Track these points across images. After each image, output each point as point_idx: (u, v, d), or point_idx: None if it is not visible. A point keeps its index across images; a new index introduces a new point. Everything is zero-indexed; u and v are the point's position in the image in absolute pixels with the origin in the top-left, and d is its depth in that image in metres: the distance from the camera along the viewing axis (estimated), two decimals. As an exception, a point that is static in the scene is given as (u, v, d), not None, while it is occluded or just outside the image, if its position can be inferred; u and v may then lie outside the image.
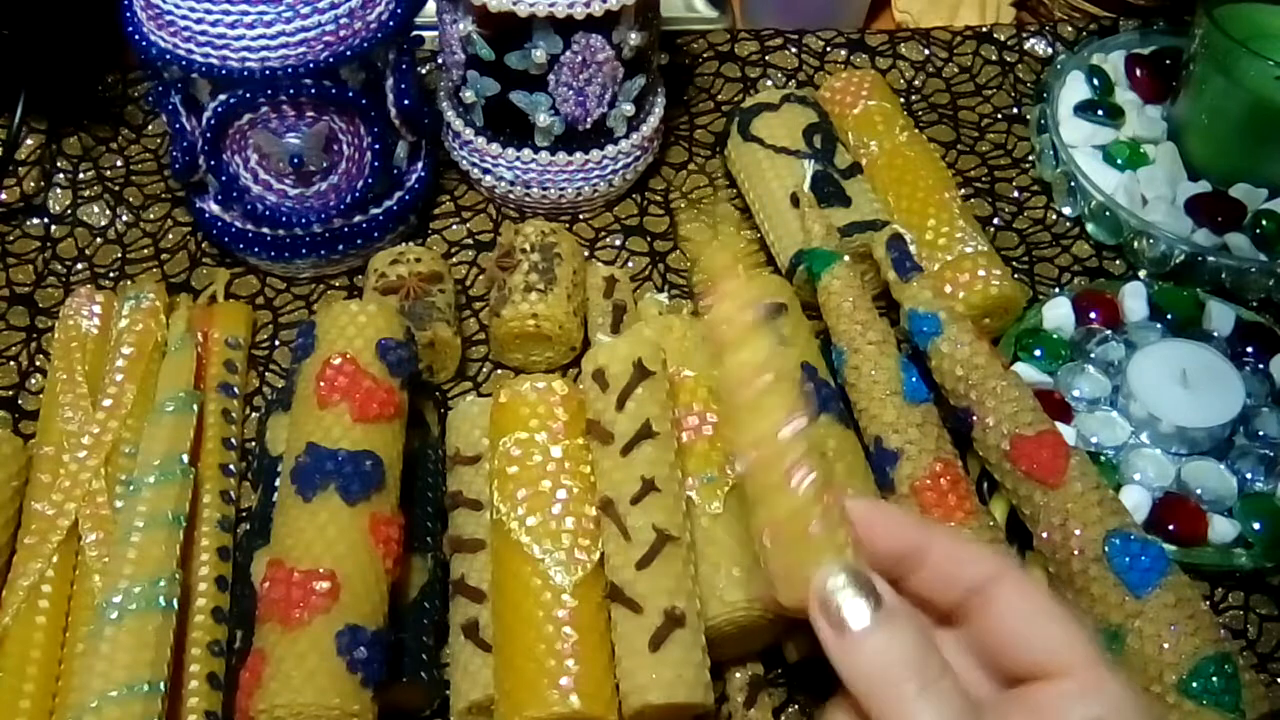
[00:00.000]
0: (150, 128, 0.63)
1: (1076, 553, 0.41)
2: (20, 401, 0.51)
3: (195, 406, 0.46)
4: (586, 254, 0.57)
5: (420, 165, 0.56)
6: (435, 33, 0.56)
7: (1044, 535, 0.43)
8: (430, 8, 0.53)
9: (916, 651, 0.29)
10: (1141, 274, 0.57)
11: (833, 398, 0.46)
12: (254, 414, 0.50)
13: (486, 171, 0.57)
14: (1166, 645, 0.39)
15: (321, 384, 0.42)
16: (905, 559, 0.32)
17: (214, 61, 0.47)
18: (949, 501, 0.43)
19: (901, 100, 0.64)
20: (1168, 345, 0.51)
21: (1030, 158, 0.63)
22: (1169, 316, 0.53)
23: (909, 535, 0.32)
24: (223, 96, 0.48)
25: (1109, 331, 0.52)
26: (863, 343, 0.47)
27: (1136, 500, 0.46)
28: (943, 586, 0.32)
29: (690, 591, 0.39)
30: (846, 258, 0.50)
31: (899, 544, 0.32)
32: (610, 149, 0.56)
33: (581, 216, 0.59)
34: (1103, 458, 0.48)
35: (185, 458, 0.43)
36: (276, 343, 0.53)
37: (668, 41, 0.64)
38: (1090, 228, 0.59)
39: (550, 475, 0.41)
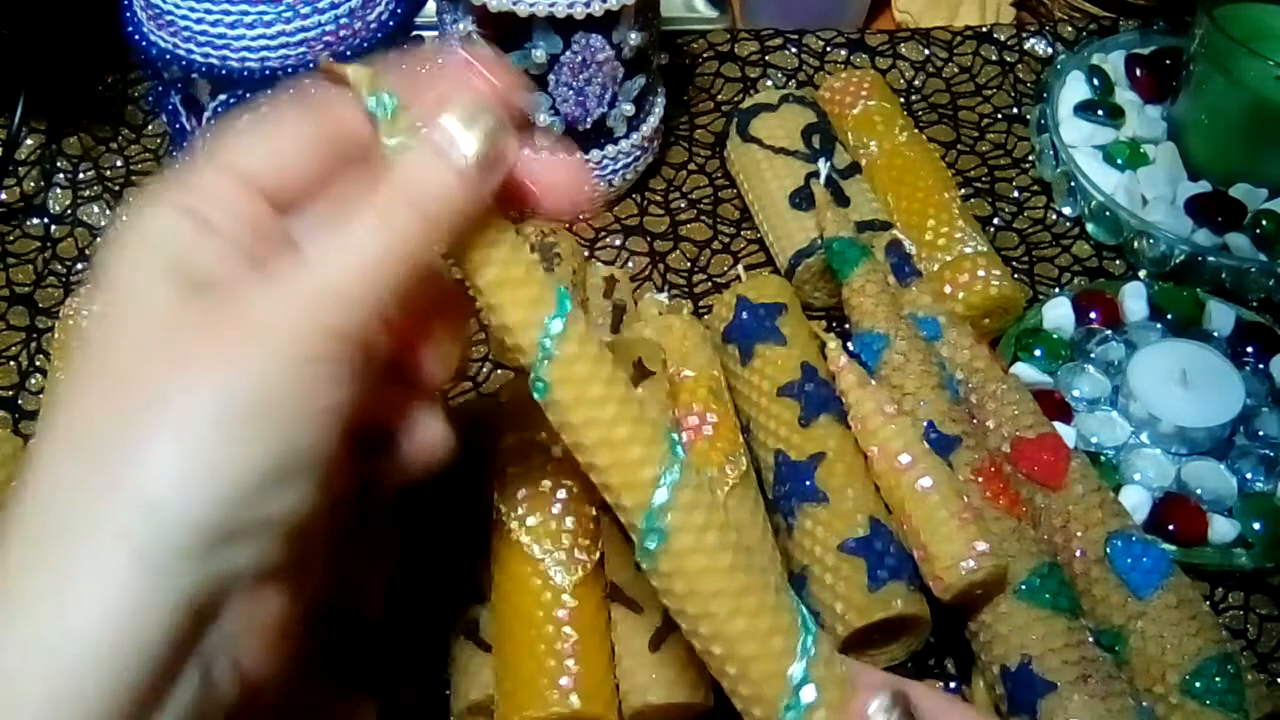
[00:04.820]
0: (150, 128, 0.63)
1: (1078, 554, 0.42)
2: (20, 401, 0.51)
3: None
4: (586, 254, 0.57)
5: (420, 165, 0.56)
6: (435, 33, 0.56)
7: (1045, 537, 0.43)
8: (430, 8, 0.53)
9: None
10: (1141, 274, 0.57)
11: (832, 398, 0.46)
12: (254, 414, 0.50)
13: (486, 171, 0.57)
14: (1169, 646, 0.39)
15: (322, 384, 0.42)
16: None
17: (214, 61, 0.47)
18: (1010, 493, 0.43)
19: (901, 100, 0.64)
20: (1168, 345, 0.51)
21: (1030, 158, 0.63)
22: (1169, 316, 0.53)
23: None
24: (223, 96, 0.48)
25: (1109, 331, 0.52)
26: (909, 332, 0.47)
27: (1136, 500, 0.46)
28: None
29: (690, 592, 0.39)
30: (876, 252, 0.50)
31: None
32: (610, 149, 0.56)
33: (581, 216, 0.59)
34: (1103, 458, 0.48)
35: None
36: (276, 343, 0.53)
37: (668, 41, 0.64)
38: (1090, 228, 0.59)
39: (550, 475, 0.41)
